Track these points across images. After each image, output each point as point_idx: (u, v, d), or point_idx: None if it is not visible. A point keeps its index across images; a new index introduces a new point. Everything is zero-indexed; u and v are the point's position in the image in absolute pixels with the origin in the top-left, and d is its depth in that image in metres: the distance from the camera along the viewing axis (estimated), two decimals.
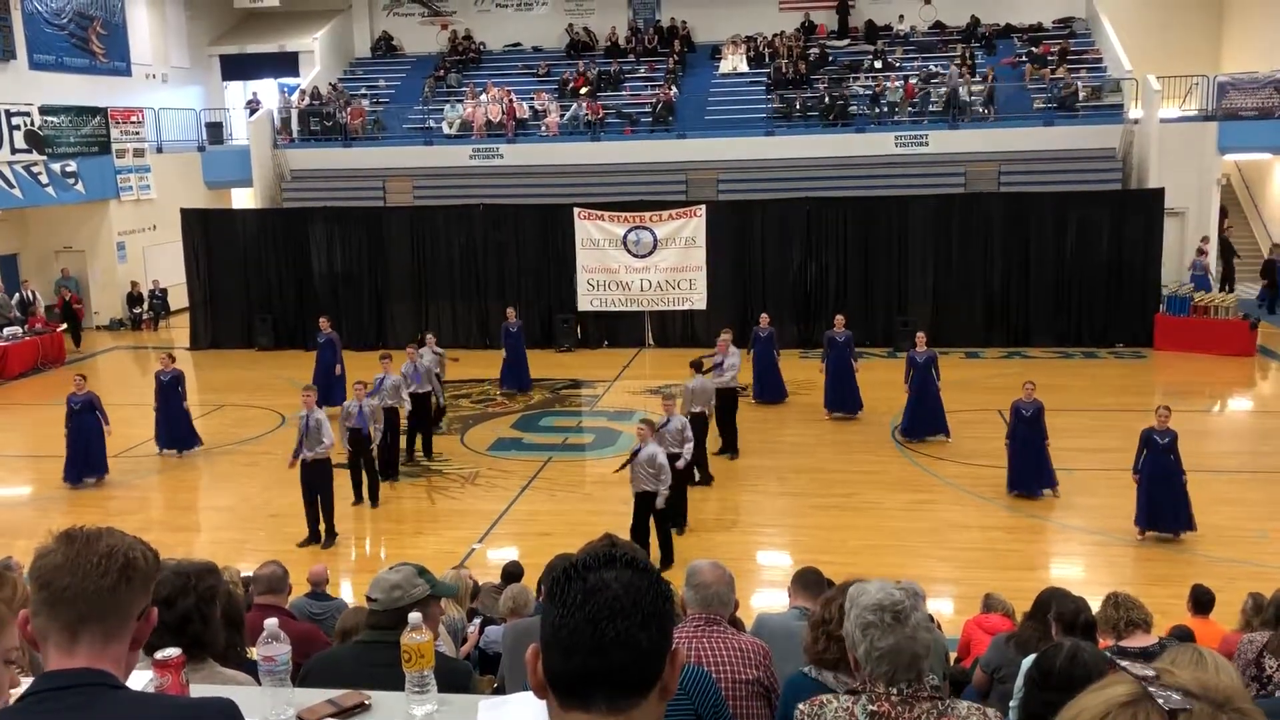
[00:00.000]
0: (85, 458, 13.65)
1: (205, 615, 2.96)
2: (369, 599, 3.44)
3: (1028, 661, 4.79)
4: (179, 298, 24.81)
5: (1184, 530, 11.02)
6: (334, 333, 17.11)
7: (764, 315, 16.97)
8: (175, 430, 14.84)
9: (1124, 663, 1.24)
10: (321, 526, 11.78)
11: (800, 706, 2.83)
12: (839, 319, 16.23)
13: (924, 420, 14.63)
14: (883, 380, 16.34)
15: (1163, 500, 10.99)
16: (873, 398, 15.94)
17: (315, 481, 11.70)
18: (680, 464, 11.29)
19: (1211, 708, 1.16)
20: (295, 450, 11.82)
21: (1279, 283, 22.58)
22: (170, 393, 14.64)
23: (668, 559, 10.77)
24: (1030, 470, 12.36)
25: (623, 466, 11.02)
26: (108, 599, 1.83)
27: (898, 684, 2.56)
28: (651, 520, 10.86)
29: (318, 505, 11.76)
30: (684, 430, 11.54)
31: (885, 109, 24.99)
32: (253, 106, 27.95)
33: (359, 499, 12.85)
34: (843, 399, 15.86)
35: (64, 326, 22.70)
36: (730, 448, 14.29)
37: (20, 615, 1.90)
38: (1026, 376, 13.39)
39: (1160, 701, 1.15)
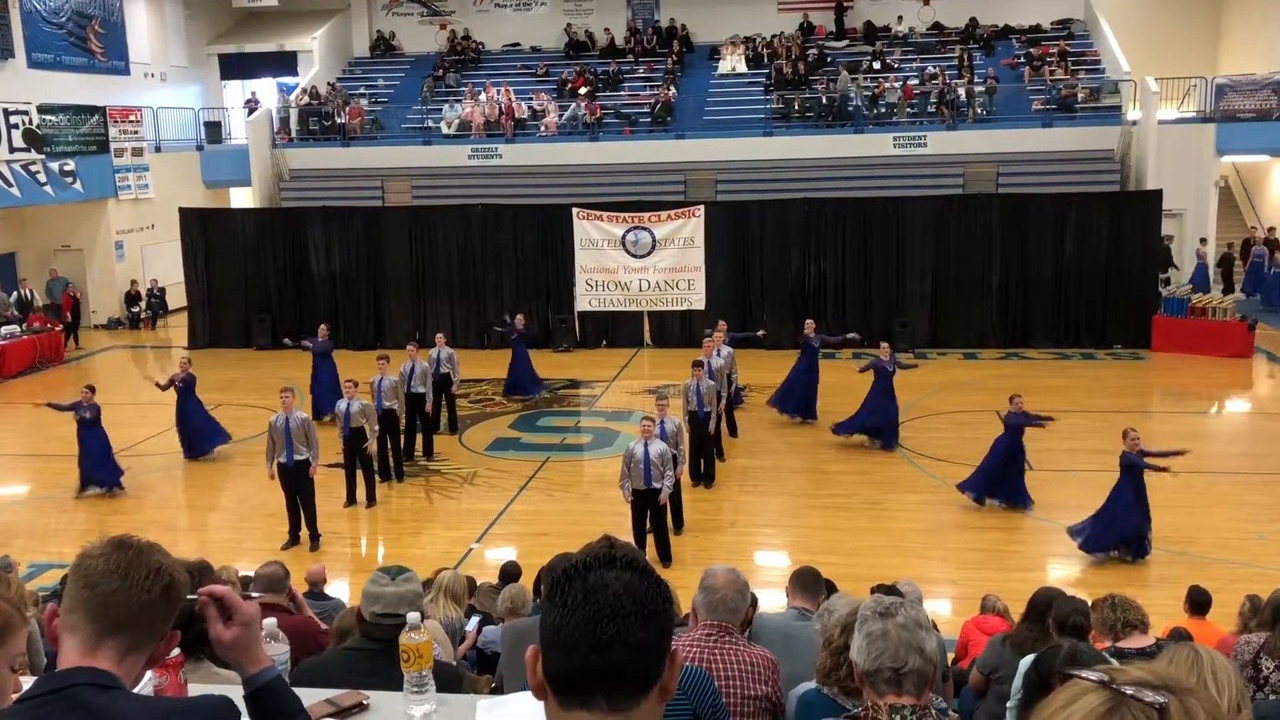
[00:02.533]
0: (101, 464, 13.43)
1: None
2: (391, 615, 3.31)
3: (1025, 662, 4.80)
4: (177, 297, 24.79)
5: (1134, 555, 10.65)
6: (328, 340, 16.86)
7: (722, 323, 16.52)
8: (199, 431, 14.82)
9: (1077, 671, 1.23)
10: (304, 532, 11.71)
11: None
12: (809, 324, 16.07)
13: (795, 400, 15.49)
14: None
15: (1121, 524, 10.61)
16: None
17: (296, 485, 11.59)
18: (678, 471, 11.30)
19: (1176, 697, 1.17)
20: (269, 455, 11.58)
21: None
22: (186, 397, 14.61)
23: (665, 558, 10.78)
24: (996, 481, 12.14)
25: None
26: (145, 613, 1.87)
27: (901, 707, 2.55)
28: (648, 520, 10.87)
29: (299, 508, 11.68)
30: (678, 432, 11.55)
31: (884, 110, 25.01)
32: (251, 106, 27.95)
33: (351, 501, 12.81)
34: (797, 403, 15.74)
35: (57, 326, 22.63)
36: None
37: (49, 609, 1.92)
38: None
39: (1149, 699, 1.15)
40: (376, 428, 12.81)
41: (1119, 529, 10.55)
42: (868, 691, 2.58)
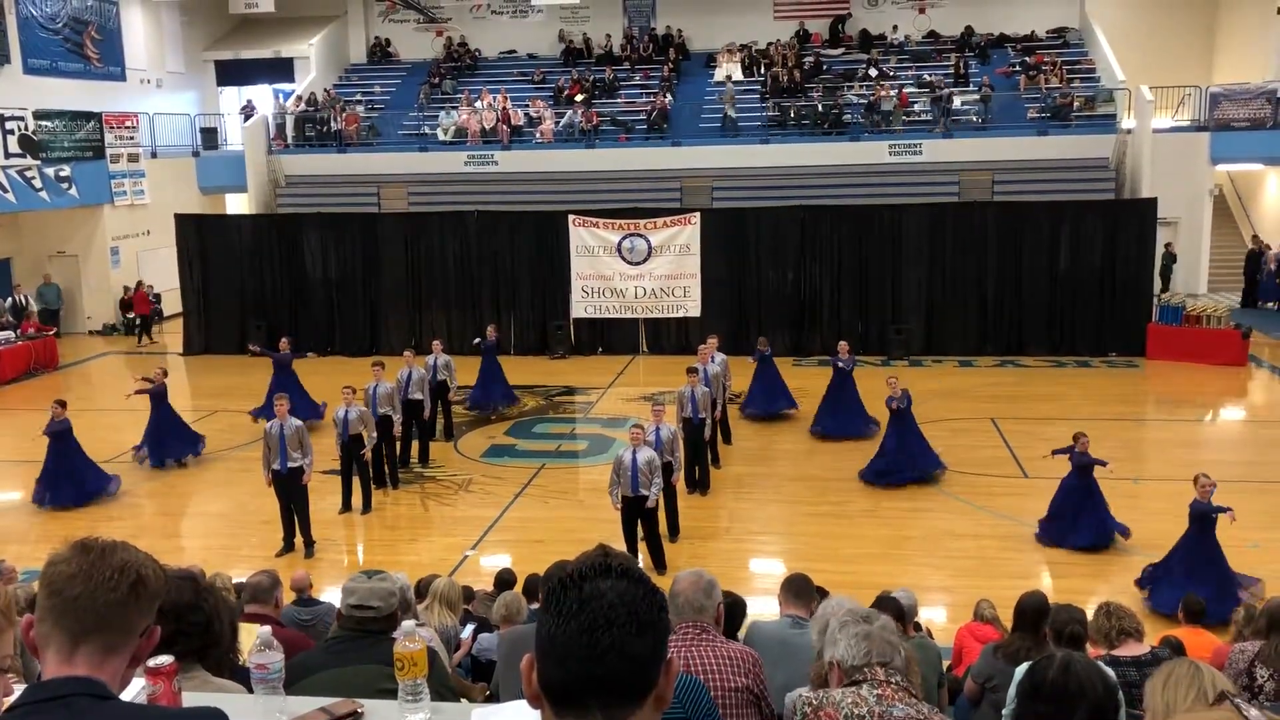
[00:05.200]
0: (84, 475, 13.43)
1: (220, 614, 2.95)
2: (364, 606, 3.62)
3: (1020, 671, 4.80)
4: (173, 303, 24.76)
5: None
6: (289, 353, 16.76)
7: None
8: (174, 436, 14.86)
9: (1241, 703, 1.20)
10: (299, 538, 11.69)
11: (804, 694, 2.91)
12: (843, 345, 15.63)
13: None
14: (874, 390, 16.32)
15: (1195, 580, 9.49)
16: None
17: (290, 492, 11.58)
18: (674, 479, 11.29)
19: None
20: (265, 462, 11.56)
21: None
22: (159, 405, 14.66)
23: (660, 566, 10.76)
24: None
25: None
26: (115, 613, 1.84)
27: (891, 675, 2.85)
28: (640, 527, 10.85)
29: (293, 515, 11.67)
30: (673, 439, 11.53)
31: (880, 118, 25.06)
32: (247, 112, 27.93)
33: (347, 507, 12.79)
34: (845, 422, 15.39)
35: (52, 330, 22.59)
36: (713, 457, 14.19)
37: (24, 620, 1.90)
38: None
39: None
40: (374, 434, 12.81)
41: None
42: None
